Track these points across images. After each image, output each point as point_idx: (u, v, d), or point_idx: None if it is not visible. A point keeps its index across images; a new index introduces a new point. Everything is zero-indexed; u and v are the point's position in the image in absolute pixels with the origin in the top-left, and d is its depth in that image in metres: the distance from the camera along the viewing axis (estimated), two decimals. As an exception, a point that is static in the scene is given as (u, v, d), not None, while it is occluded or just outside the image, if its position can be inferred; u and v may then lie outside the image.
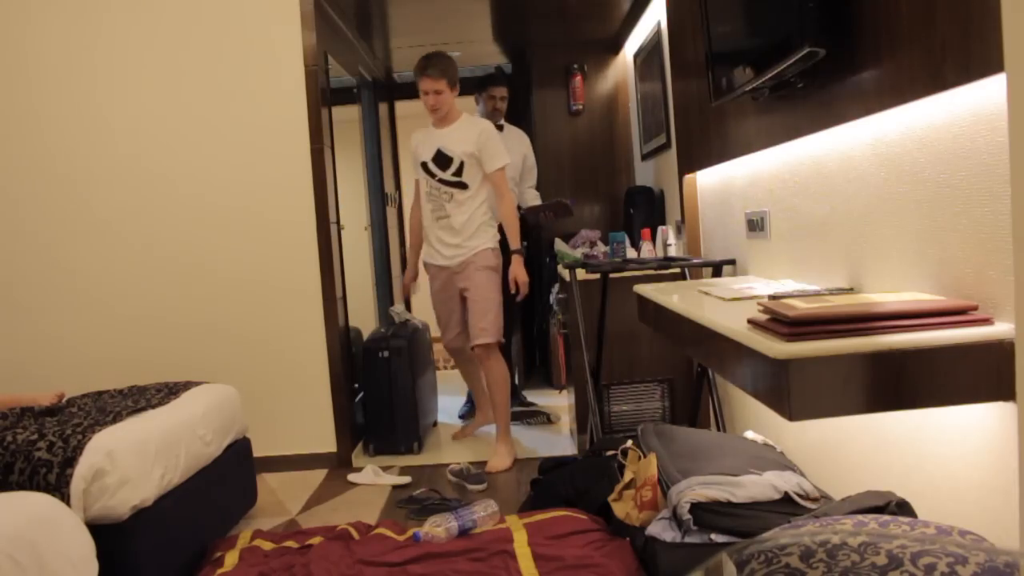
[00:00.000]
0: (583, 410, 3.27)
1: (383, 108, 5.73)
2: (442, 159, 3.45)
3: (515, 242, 3.45)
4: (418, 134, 3.59)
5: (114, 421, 2.32)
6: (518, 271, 3.45)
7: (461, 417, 4.39)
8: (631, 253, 3.57)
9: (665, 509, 2.07)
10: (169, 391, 2.74)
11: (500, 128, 4.05)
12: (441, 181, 3.46)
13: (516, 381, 4.39)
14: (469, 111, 3.77)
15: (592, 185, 5.00)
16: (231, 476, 2.80)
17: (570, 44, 4.92)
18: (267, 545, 2.50)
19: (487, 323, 3.45)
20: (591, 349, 3.06)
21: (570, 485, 2.68)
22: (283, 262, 3.60)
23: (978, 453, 1.47)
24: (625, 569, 2.13)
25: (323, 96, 3.66)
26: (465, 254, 3.48)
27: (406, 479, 3.32)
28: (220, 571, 2.32)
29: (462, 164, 3.43)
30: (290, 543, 2.52)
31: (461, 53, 5.30)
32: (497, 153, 3.44)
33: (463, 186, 3.44)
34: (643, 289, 2.51)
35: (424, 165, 3.49)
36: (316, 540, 2.50)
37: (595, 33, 4.79)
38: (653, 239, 3.49)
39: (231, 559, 2.41)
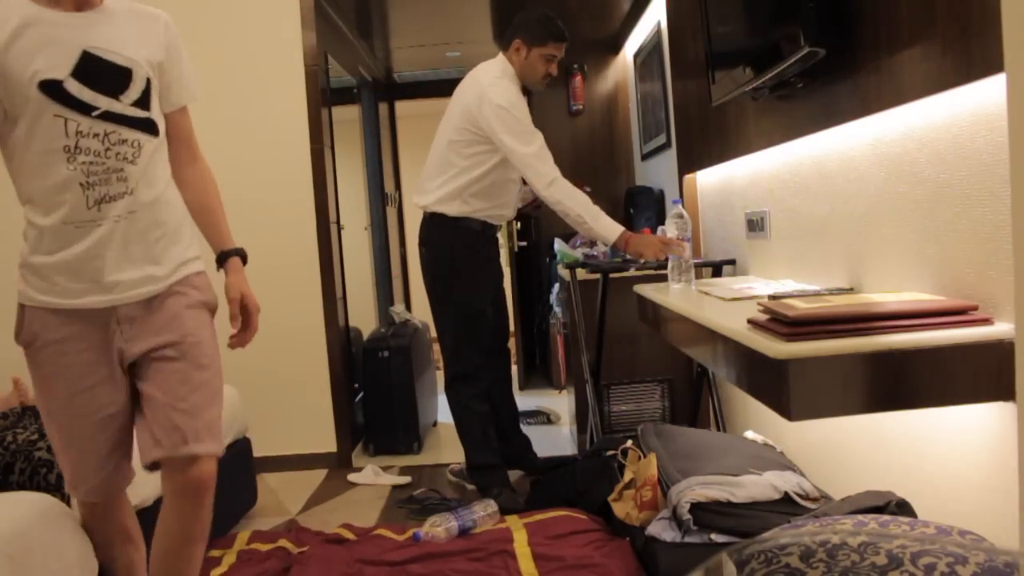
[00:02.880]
0: (583, 410, 3.27)
1: (383, 108, 5.73)
2: (105, 72, 1.63)
3: (229, 237, 1.84)
4: (11, 9, 1.57)
5: (114, 421, 2.31)
6: (245, 285, 1.80)
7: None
8: (631, 253, 3.57)
9: (665, 509, 2.07)
10: (169, 391, 2.73)
11: (529, 95, 3.06)
12: (109, 118, 1.62)
13: (517, 382, 4.33)
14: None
15: (592, 185, 4.99)
16: (231, 476, 2.79)
17: (570, 44, 4.90)
18: (264, 547, 2.50)
19: (215, 412, 1.71)
20: (591, 349, 3.06)
21: (570, 485, 2.68)
22: (283, 262, 3.59)
23: (978, 453, 1.47)
24: (625, 569, 2.13)
25: (323, 96, 3.66)
26: (166, 278, 1.70)
27: (406, 479, 3.32)
28: (216, 571, 2.32)
29: (148, 85, 1.69)
30: (284, 542, 2.51)
31: (461, 53, 5.31)
32: (192, 73, 1.82)
33: (152, 130, 1.70)
34: (643, 289, 2.51)
35: (53, 87, 1.56)
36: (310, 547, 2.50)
37: (595, 33, 4.79)
38: (653, 239, 3.48)
39: (228, 559, 2.41)
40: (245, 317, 1.79)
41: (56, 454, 1.72)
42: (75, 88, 1.59)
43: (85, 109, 1.60)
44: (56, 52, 1.58)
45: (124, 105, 1.64)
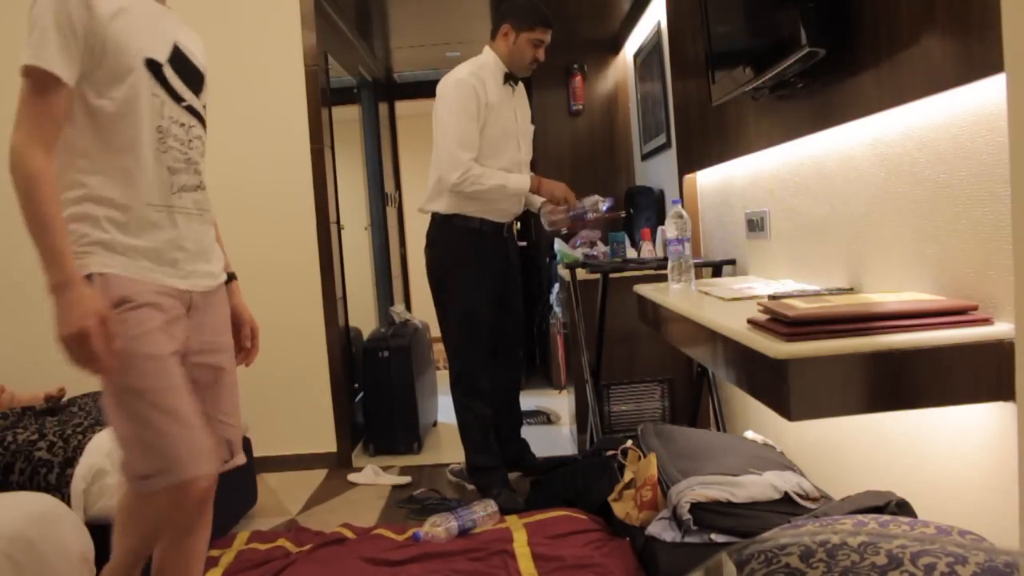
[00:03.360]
0: (583, 410, 3.27)
1: (383, 108, 5.73)
2: (190, 69, 1.67)
3: (229, 260, 1.91)
4: None
5: (114, 421, 2.31)
6: (251, 314, 1.89)
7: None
8: (631, 253, 3.57)
9: (665, 509, 2.07)
10: (169, 391, 2.73)
11: (526, 83, 3.24)
12: (192, 112, 1.67)
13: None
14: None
15: (592, 185, 4.97)
16: (231, 476, 2.79)
17: (570, 44, 4.92)
18: (263, 547, 2.50)
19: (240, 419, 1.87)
20: (591, 349, 3.06)
21: (570, 485, 2.68)
22: (283, 262, 3.60)
23: (978, 453, 1.47)
24: (625, 569, 2.13)
25: (323, 96, 3.66)
26: (219, 276, 1.77)
27: (406, 479, 3.32)
28: (214, 571, 2.32)
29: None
30: (283, 541, 2.52)
31: (461, 53, 5.31)
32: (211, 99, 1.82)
33: (204, 131, 1.74)
34: (643, 289, 2.51)
35: (155, 66, 1.58)
36: (310, 546, 2.50)
37: (595, 33, 4.79)
38: (653, 239, 3.49)
39: (227, 559, 2.41)
40: (252, 338, 1.86)
41: (146, 437, 1.50)
42: (170, 74, 1.61)
43: (176, 97, 1.63)
44: (156, 37, 1.60)
45: (199, 104, 1.69)
